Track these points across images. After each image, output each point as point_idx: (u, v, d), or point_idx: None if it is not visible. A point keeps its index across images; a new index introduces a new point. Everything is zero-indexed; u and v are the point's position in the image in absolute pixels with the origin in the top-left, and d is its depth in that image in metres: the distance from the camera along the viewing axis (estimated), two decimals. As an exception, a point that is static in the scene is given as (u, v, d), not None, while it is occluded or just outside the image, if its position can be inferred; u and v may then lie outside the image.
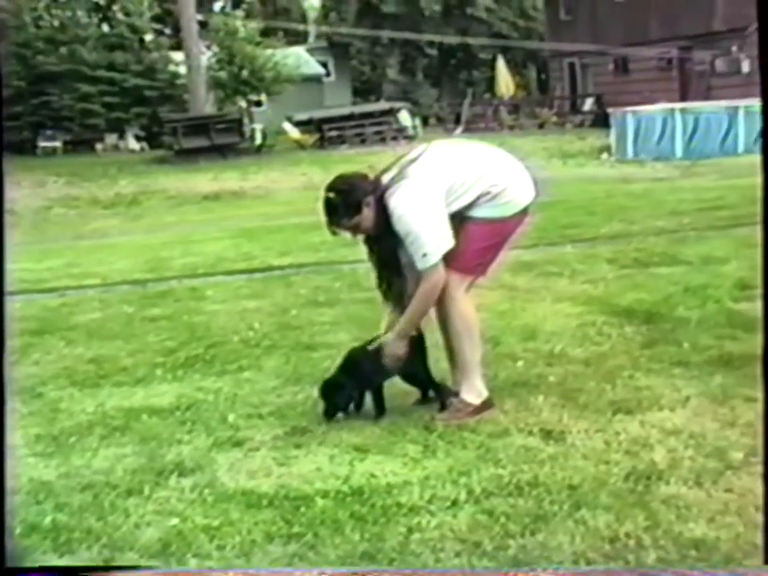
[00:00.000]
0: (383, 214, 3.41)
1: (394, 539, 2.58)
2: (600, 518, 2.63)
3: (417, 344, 3.58)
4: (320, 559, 2.50)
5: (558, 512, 2.69)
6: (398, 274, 3.55)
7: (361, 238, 3.57)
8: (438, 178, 3.42)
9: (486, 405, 3.54)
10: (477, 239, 3.48)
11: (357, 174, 3.57)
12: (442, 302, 3.50)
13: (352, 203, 3.41)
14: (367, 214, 3.42)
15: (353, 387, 3.54)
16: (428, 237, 3.36)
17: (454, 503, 2.78)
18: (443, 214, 3.40)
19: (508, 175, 3.52)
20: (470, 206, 3.47)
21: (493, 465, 3.05)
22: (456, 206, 3.45)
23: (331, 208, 3.44)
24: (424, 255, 3.37)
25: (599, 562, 2.42)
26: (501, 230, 3.53)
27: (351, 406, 3.60)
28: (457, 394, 3.56)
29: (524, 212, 3.56)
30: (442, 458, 3.14)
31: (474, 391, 3.54)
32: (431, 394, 3.67)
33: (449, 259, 3.43)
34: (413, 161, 3.47)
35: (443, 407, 3.56)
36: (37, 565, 2.44)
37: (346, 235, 3.54)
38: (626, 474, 2.91)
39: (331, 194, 3.44)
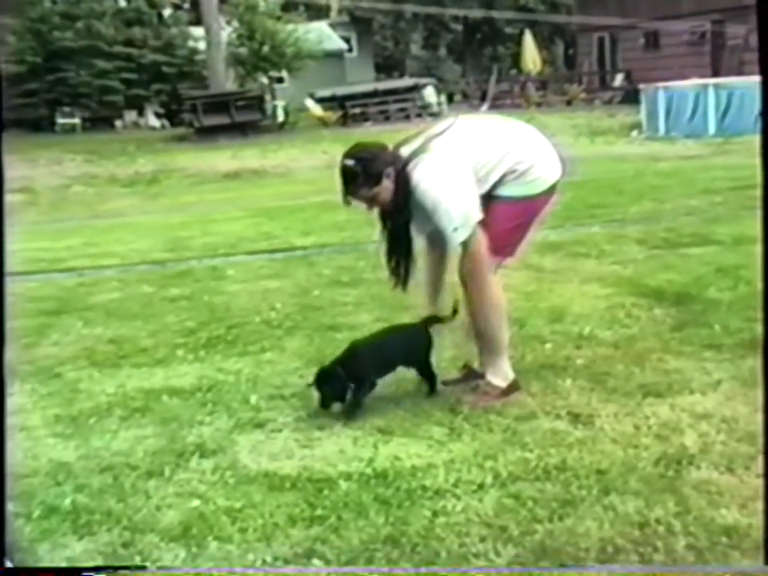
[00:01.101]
0: (404, 186, 3.31)
1: (419, 523, 2.54)
2: (629, 504, 2.58)
3: (423, 335, 3.52)
4: (343, 543, 2.46)
5: (587, 497, 2.64)
6: (408, 252, 3.45)
7: (376, 212, 3.45)
8: (464, 152, 3.33)
9: (513, 387, 3.49)
10: (505, 219, 3.40)
11: (377, 144, 3.47)
12: (470, 283, 3.42)
13: (372, 173, 3.29)
14: (387, 186, 3.32)
15: (347, 379, 3.41)
16: (455, 210, 3.26)
17: (480, 487, 2.74)
18: (470, 186, 3.31)
19: (534, 152, 3.44)
20: (497, 185, 3.39)
21: (519, 448, 3.00)
22: (483, 188, 3.36)
23: (350, 176, 3.31)
24: (455, 229, 3.28)
25: (628, 548, 2.36)
26: (529, 209, 3.45)
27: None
28: (483, 377, 3.51)
29: (552, 190, 3.47)
30: (467, 441, 3.10)
31: (500, 374, 3.49)
32: (439, 386, 3.58)
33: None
34: (438, 134, 3.38)
35: (432, 391, 3.52)
36: (37, 565, 2.41)
37: (360, 206, 3.40)
38: (656, 458, 2.86)
39: (351, 162, 3.31)
